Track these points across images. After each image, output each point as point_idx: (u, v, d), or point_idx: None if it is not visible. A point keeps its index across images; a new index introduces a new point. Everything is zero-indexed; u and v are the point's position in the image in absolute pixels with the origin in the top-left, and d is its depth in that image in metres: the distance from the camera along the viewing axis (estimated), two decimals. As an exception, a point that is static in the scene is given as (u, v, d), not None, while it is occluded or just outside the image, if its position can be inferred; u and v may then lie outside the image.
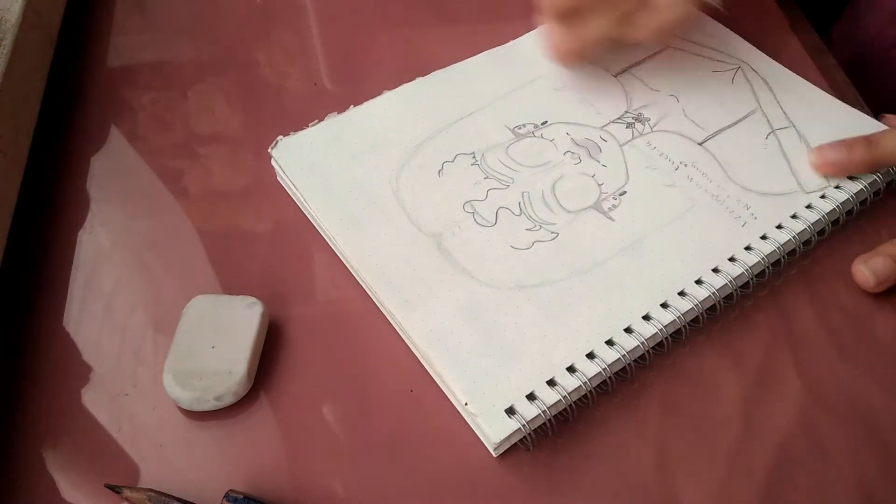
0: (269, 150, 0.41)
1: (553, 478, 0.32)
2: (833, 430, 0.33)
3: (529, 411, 0.31)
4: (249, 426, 0.33)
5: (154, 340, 0.36)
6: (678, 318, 0.34)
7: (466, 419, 0.33)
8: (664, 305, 0.35)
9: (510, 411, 0.31)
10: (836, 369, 0.35)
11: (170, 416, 0.33)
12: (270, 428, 0.33)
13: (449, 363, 0.33)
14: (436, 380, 0.34)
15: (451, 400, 0.33)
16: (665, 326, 0.34)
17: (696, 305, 0.35)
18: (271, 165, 0.41)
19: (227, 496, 0.30)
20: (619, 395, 0.34)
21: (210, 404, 0.33)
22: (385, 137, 0.42)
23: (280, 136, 0.41)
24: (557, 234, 0.38)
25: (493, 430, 0.31)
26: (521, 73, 0.45)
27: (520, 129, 0.42)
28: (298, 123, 0.42)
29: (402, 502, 0.31)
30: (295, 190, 0.40)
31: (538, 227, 0.38)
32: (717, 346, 0.36)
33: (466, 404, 0.32)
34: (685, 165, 0.41)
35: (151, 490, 0.30)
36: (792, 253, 0.38)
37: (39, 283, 0.38)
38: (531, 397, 0.32)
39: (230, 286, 0.38)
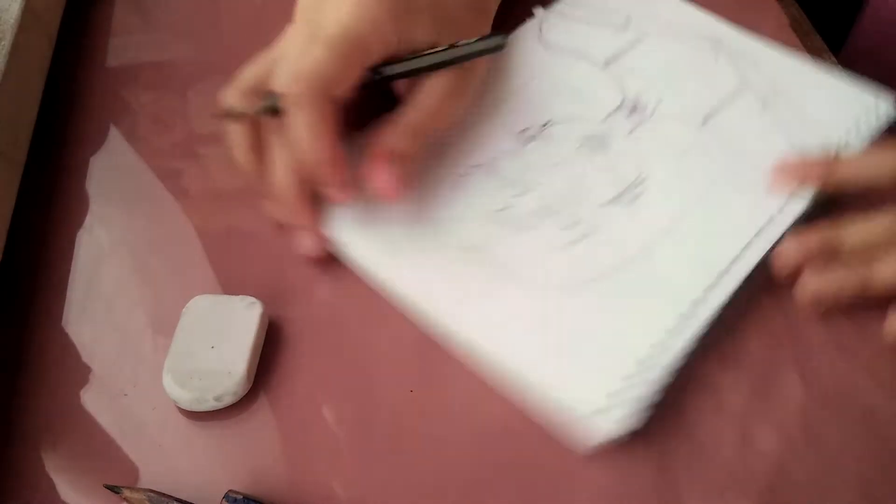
0: None
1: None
2: (833, 430, 0.33)
3: (627, 402, 0.32)
4: (249, 426, 0.33)
5: (154, 340, 0.36)
6: (728, 294, 0.35)
7: (559, 423, 0.33)
8: (712, 287, 0.35)
9: (609, 406, 0.32)
10: (837, 369, 0.35)
11: (169, 416, 0.33)
12: (270, 428, 0.33)
13: (538, 374, 0.33)
14: (511, 392, 0.34)
15: (536, 407, 0.33)
16: (717, 306, 0.35)
17: (743, 285, 0.35)
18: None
19: (226, 497, 0.30)
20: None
21: (209, 404, 0.33)
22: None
23: None
24: (592, 230, 0.38)
25: (597, 433, 0.31)
26: (513, 76, 0.45)
27: (524, 132, 0.42)
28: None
29: (401, 502, 0.31)
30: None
31: (573, 227, 0.38)
32: (716, 346, 0.36)
33: (572, 409, 0.32)
34: (693, 147, 0.41)
35: (151, 490, 0.30)
36: (808, 218, 0.38)
37: (39, 283, 0.38)
38: (623, 389, 0.32)
39: (230, 286, 0.38)
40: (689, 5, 0.48)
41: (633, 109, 0.43)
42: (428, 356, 0.35)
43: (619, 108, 0.43)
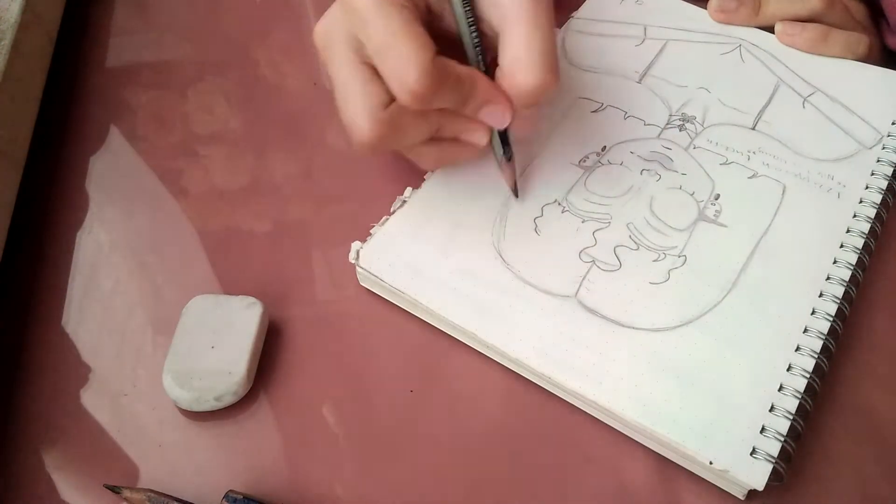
0: (352, 261, 0.36)
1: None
2: (833, 430, 0.33)
3: (771, 445, 0.30)
4: (249, 426, 0.33)
5: (154, 340, 0.36)
6: (840, 303, 0.34)
7: (702, 475, 0.31)
8: (821, 295, 0.34)
9: (752, 452, 0.30)
10: (837, 369, 0.35)
11: (169, 416, 0.33)
12: (270, 428, 0.33)
13: (668, 427, 0.31)
14: (647, 444, 0.32)
15: (676, 460, 0.32)
16: (834, 314, 0.33)
17: (848, 287, 0.34)
18: (271, 165, 0.41)
19: (226, 497, 0.30)
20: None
21: (210, 404, 0.33)
22: (464, 211, 0.38)
23: (357, 242, 0.37)
24: (685, 256, 0.36)
25: (753, 479, 0.29)
26: (552, 103, 0.42)
27: (584, 161, 0.40)
28: (298, 123, 0.42)
29: (401, 502, 0.31)
30: (403, 294, 0.35)
31: (663, 256, 0.36)
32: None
33: (711, 463, 0.30)
34: (753, 153, 0.40)
35: (151, 490, 0.30)
36: (885, 206, 0.38)
37: (38, 283, 0.38)
38: (763, 430, 0.30)
39: (230, 286, 0.38)
40: (696, 8, 0.48)
41: (684, 122, 0.42)
42: (428, 356, 0.35)
43: (669, 122, 0.42)
